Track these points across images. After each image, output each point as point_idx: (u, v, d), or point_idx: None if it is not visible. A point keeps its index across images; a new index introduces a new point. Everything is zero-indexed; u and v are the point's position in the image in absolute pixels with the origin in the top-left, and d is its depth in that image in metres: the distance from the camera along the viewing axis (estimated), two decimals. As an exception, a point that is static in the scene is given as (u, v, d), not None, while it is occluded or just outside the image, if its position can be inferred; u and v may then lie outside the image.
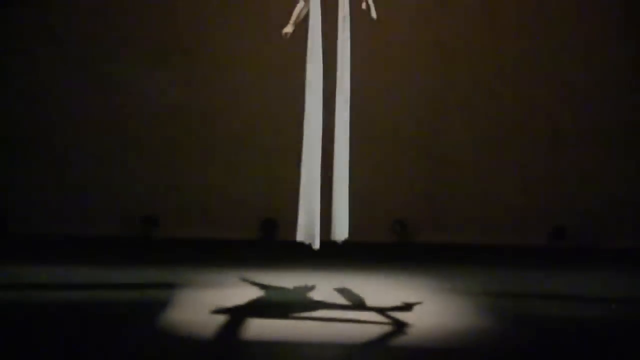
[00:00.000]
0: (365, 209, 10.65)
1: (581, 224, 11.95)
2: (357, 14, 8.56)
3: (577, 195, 12.02)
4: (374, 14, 8.55)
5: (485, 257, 11.29)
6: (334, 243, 8.51)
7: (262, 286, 9.05)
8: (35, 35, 11.94)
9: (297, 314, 8.04)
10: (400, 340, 7.44)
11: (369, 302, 8.53)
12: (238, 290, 8.83)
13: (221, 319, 7.78)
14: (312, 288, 9.04)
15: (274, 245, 11.72)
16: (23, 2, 11.92)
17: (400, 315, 7.99)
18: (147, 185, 11.94)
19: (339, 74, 8.45)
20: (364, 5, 8.52)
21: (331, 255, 8.91)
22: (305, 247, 8.44)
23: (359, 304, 8.48)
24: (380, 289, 9.14)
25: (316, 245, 8.36)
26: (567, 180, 12.06)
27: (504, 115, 12.07)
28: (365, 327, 7.75)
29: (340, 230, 8.48)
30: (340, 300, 8.64)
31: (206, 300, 8.36)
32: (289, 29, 8.49)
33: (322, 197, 8.41)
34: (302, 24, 8.49)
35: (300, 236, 8.38)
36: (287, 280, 9.32)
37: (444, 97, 12.09)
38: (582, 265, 10.93)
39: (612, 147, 12.07)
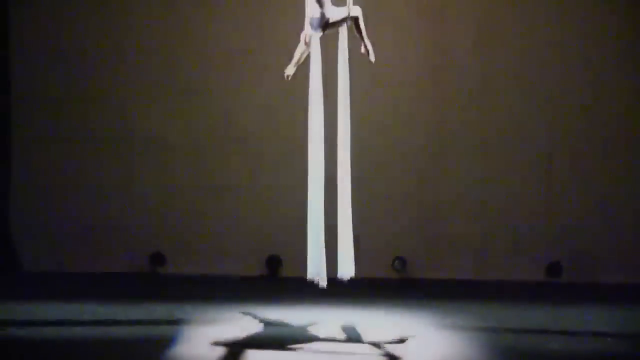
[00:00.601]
0: (367, 246, 10.78)
1: (577, 259, 12.00)
2: (357, 57, 8.72)
3: (573, 232, 12.08)
4: (372, 57, 8.69)
5: (484, 292, 11.36)
6: (340, 281, 8.64)
7: (266, 322, 9.13)
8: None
9: (300, 349, 8.10)
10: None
11: (370, 337, 8.57)
12: (243, 326, 8.91)
13: (226, 354, 7.85)
14: (315, 323, 9.11)
15: (279, 281, 11.83)
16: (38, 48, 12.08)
17: (400, 350, 8.05)
18: (156, 223, 12.06)
19: (339, 115, 8.59)
20: (362, 49, 8.67)
21: (334, 292, 8.94)
22: (310, 284, 8.57)
23: (360, 339, 8.53)
24: (381, 325, 9.20)
25: (323, 283, 8.51)
26: (563, 216, 12.11)
27: (499, 155, 12.19)
28: (366, 361, 7.85)
29: (346, 269, 8.63)
30: (342, 335, 8.72)
31: (212, 336, 8.41)
32: (290, 70, 8.65)
33: (328, 237, 8.57)
34: (304, 66, 8.64)
35: (309, 275, 8.53)
36: (292, 315, 9.39)
37: (442, 139, 12.21)
38: (578, 300, 10.95)
39: (608, 184, 12.15)
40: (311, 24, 8.49)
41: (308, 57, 8.55)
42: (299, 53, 8.61)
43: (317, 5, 8.48)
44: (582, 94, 12.19)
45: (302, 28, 8.55)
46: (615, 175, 12.16)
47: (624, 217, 12.12)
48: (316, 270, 8.48)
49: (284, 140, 11.95)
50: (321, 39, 8.52)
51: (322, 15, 8.47)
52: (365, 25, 8.63)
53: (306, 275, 8.56)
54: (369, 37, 8.67)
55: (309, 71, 8.49)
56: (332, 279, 8.62)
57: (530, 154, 12.19)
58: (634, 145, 12.17)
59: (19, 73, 12.12)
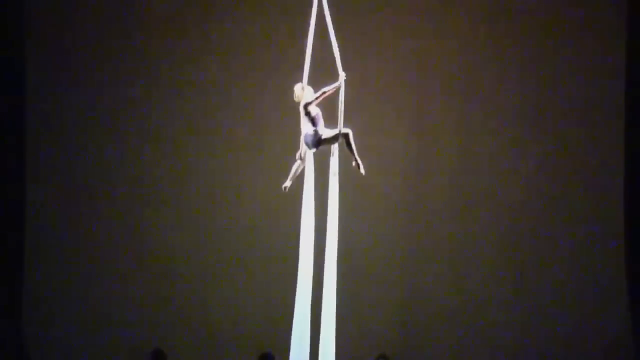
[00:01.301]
0: (350, 345, 11.21)
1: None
2: (348, 170, 9.27)
3: (544, 339, 12.44)
4: (362, 171, 9.26)
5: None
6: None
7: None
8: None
9: None
10: None
11: None
12: None
13: None
14: None
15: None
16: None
17: None
18: (156, 322, 12.39)
19: (329, 224, 9.11)
20: (353, 163, 9.26)
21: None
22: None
23: None
24: None
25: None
26: (530, 331, 12.48)
27: (474, 263, 12.67)
28: None
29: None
30: None
31: None
32: (287, 183, 9.26)
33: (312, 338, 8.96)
34: (299, 179, 9.20)
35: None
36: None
37: (419, 248, 12.72)
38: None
39: (581, 292, 12.52)
40: (305, 141, 9.15)
41: (302, 172, 9.12)
42: (294, 168, 9.24)
43: (310, 125, 9.15)
44: (552, 204, 12.70)
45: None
46: (587, 283, 12.52)
47: (597, 326, 12.42)
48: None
49: (278, 241, 12.32)
50: (314, 154, 9.09)
51: (316, 133, 9.09)
52: (355, 142, 9.17)
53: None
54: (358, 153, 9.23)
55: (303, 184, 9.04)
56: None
57: (502, 263, 12.63)
58: (603, 254, 12.58)
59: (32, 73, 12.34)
